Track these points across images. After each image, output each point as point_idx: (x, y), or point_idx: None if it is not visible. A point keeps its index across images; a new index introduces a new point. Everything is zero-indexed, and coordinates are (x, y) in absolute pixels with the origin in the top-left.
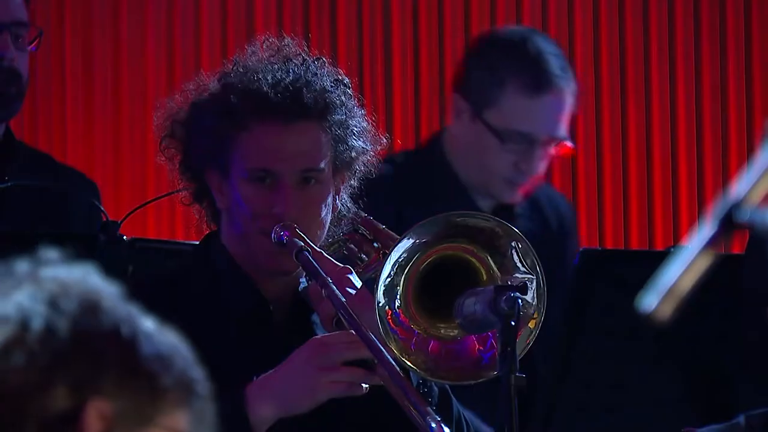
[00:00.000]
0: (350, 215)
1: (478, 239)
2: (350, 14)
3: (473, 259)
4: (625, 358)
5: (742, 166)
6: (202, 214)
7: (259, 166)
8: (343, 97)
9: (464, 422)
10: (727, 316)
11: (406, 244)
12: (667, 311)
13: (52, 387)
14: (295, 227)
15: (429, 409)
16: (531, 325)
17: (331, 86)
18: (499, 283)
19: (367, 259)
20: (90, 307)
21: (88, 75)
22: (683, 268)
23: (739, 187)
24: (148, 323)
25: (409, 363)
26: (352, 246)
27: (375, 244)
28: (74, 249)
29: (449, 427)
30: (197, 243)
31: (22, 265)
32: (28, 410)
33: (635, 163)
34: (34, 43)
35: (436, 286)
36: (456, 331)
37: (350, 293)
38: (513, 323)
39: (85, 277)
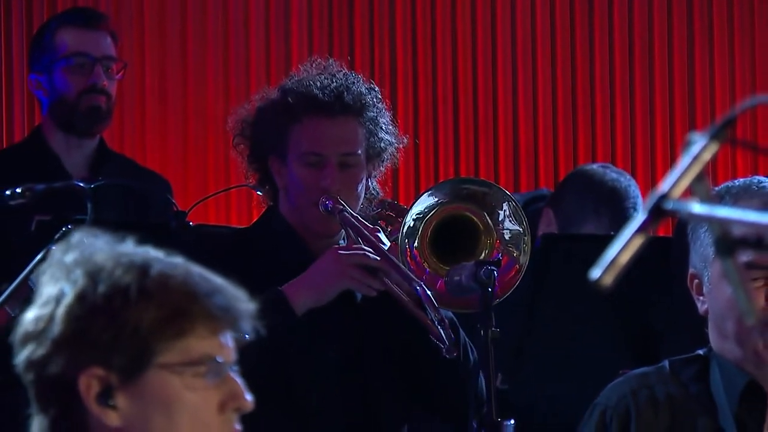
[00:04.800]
0: (379, 197)
1: (477, 201)
2: (364, 46)
3: (473, 217)
4: (577, 318)
5: (667, 168)
6: (264, 193)
7: (310, 151)
8: (374, 100)
9: (470, 347)
10: (657, 285)
11: (426, 200)
12: (609, 281)
13: (51, 363)
14: (338, 197)
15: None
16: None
17: (366, 91)
18: (494, 233)
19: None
20: (87, 287)
21: (162, 96)
22: (622, 247)
23: (665, 183)
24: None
25: None
26: (381, 223)
27: (399, 219)
28: (151, 234)
29: (458, 337)
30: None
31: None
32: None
33: None
34: (121, 72)
35: (445, 238)
36: None
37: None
38: (490, 289)
39: (91, 255)
